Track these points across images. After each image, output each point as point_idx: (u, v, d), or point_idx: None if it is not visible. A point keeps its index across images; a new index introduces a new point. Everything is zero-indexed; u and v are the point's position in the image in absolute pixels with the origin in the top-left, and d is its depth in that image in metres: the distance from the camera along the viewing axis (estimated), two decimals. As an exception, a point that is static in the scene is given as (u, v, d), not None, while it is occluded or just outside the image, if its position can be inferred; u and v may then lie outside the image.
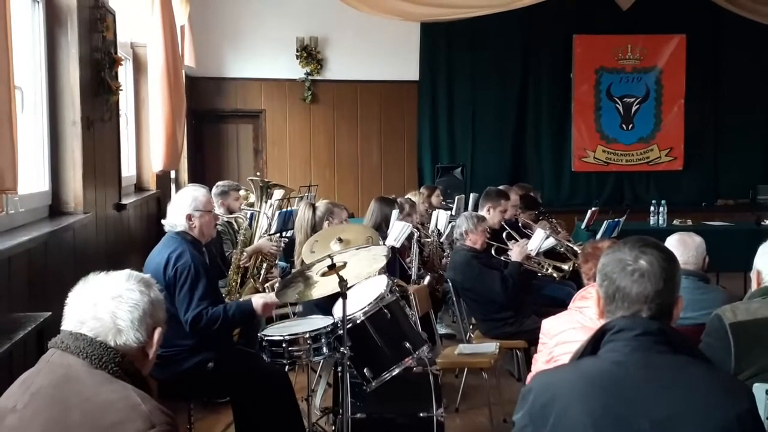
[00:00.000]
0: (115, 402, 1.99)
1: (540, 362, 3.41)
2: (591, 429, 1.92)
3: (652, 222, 9.60)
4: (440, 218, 7.62)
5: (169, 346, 4.12)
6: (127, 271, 2.26)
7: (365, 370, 4.08)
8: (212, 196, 5.82)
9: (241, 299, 5.16)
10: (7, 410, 2.02)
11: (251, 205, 7.46)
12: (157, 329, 2.22)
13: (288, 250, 6.58)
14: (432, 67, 12.39)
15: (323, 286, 4.16)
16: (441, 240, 7.42)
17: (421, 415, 4.23)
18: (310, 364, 4.73)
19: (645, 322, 2.05)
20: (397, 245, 6.06)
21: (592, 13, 12.16)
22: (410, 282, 6.13)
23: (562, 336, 3.29)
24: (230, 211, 6.55)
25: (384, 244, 5.42)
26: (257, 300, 4.28)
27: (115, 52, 5.62)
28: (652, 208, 9.65)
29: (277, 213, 6.84)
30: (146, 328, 2.18)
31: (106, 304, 2.13)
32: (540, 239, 6.20)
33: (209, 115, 11.84)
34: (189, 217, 4.29)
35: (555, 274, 6.14)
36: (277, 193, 7.32)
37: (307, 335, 4.13)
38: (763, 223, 9.43)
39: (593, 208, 9.22)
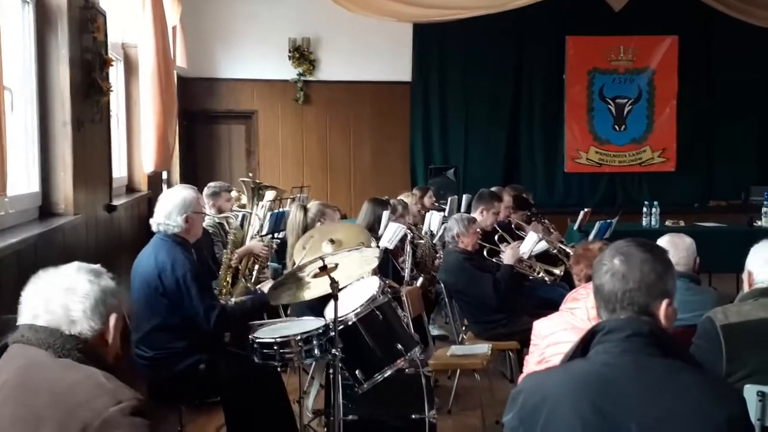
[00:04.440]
0: (82, 383, 2.01)
1: (531, 363, 3.41)
2: (580, 431, 1.92)
3: (644, 223, 9.60)
4: (433, 220, 7.61)
5: (161, 349, 4.13)
6: (77, 263, 2.28)
7: (357, 372, 4.07)
8: (203, 197, 5.81)
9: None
10: None
11: (243, 206, 7.44)
12: (112, 315, 2.22)
13: (280, 252, 6.57)
14: (425, 68, 12.39)
15: (315, 288, 4.15)
16: (434, 241, 7.42)
17: (413, 416, 4.22)
18: (302, 366, 4.72)
19: (635, 323, 2.05)
20: (391, 247, 6.05)
21: (584, 15, 12.16)
22: (403, 283, 6.12)
23: (554, 337, 3.29)
24: (221, 212, 6.52)
25: (377, 246, 5.42)
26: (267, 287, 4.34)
27: (106, 53, 5.60)
28: (644, 209, 9.65)
29: (268, 214, 6.82)
30: (100, 316, 2.18)
31: (58, 298, 2.15)
32: (532, 242, 6.19)
33: (201, 116, 11.81)
34: (187, 219, 4.25)
35: (546, 278, 6.14)
36: (269, 194, 7.29)
37: (299, 337, 4.11)
38: (755, 224, 9.44)
39: (585, 209, 9.23)
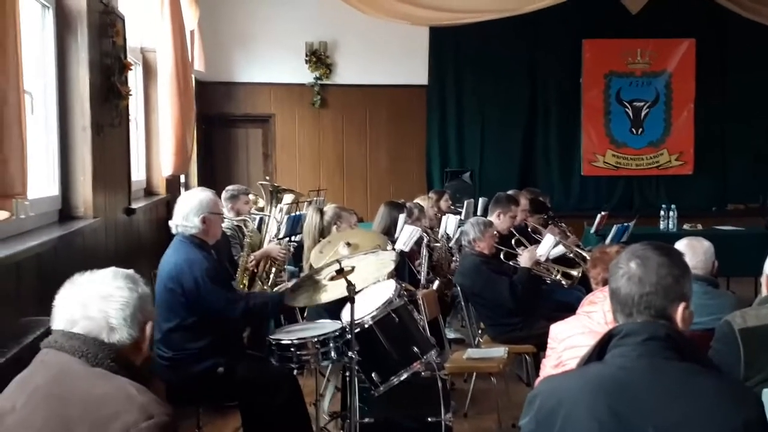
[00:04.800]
0: (112, 394, 2.01)
1: (548, 367, 3.40)
2: (597, 434, 1.92)
3: (662, 226, 9.56)
4: (449, 223, 7.62)
5: (180, 350, 4.15)
6: (113, 268, 2.27)
7: (373, 375, 4.08)
8: (222, 200, 5.84)
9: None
10: (6, 411, 2.03)
11: (261, 209, 7.47)
12: (148, 324, 2.24)
13: (297, 255, 6.59)
14: (441, 71, 12.39)
15: (332, 291, 4.17)
16: (450, 245, 7.42)
17: (430, 419, 4.23)
18: (318, 368, 4.73)
19: (652, 326, 2.04)
20: (406, 249, 6.05)
21: (601, 18, 12.12)
22: (419, 286, 6.12)
23: (571, 341, 3.29)
24: (239, 215, 6.55)
25: (393, 249, 5.42)
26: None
27: (125, 57, 5.64)
28: (662, 213, 9.62)
29: (286, 217, 6.84)
30: (138, 324, 2.19)
31: (96, 304, 2.15)
32: (549, 245, 6.17)
33: (219, 120, 11.86)
34: (204, 220, 4.28)
35: (563, 281, 6.12)
36: (287, 198, 7.33)
37: (316, 339, 4.13)
38: (773, 227, 9.39)
39: (602, 213, 9.19)
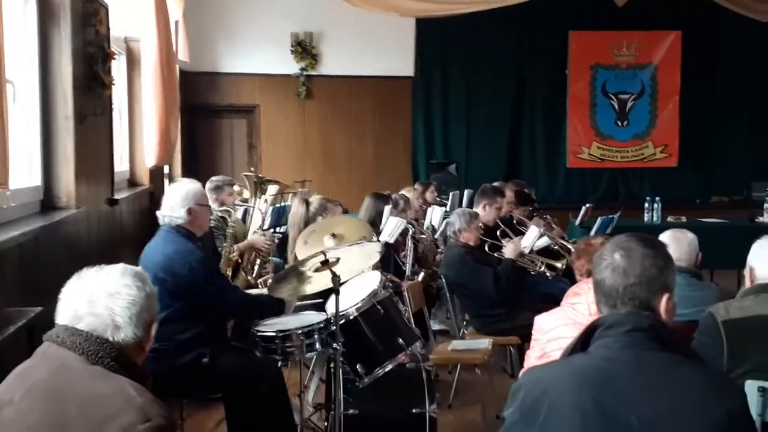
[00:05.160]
0: (111, 395, 1.99)
1: (532, 358, 3.41)
2: (580, 425, 1.92)
3: (646, 218, 9.59)
4: (435, 214, 7.62)
5: (164, 340, 4.11)
6: (122, 265, 2.24)
7: (358, 366, 4.08)
8: (206, 191, 5.82)
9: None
10: (4, 403, 2.01)
11: (245, 200, 7.44)
12: (153, 324, 2.22)
13: (282, 246, 6.58)
14: (427, 63, 12.37)
15: (316, 282, 4.16)
16: (435, 236, 7.42)
17: (414, 411, 4.22)
18: (303, 360, 4.72)
19: (636, 318, 2.05)
20: (391, 241, 6.05)
21: (587, 9, 12.12)
22: (404, 278, 6.12)
23: (555, 332, 3.30)
24: (223, 206, 6.52)
25: (378, 240, 5.42)
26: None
27: (109, 47, 5.59)
28: (646, 205, 9.65)
29: (270, 208, 6.82)
30: (143, 324, 2.18)
31: (103, 301, 2.12)
32: (534, 237, 6.20)
33: (203, 110, 11.80)
34: (190, 211, 4.26)
35: (548, 273, 6.14)
36: (272, 189, 7.30)
37: (300, 331, 4.12)
38: (756, 219, 9.44)
39: (587, 205, 9.23)
